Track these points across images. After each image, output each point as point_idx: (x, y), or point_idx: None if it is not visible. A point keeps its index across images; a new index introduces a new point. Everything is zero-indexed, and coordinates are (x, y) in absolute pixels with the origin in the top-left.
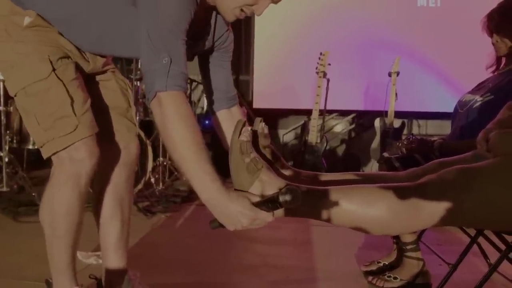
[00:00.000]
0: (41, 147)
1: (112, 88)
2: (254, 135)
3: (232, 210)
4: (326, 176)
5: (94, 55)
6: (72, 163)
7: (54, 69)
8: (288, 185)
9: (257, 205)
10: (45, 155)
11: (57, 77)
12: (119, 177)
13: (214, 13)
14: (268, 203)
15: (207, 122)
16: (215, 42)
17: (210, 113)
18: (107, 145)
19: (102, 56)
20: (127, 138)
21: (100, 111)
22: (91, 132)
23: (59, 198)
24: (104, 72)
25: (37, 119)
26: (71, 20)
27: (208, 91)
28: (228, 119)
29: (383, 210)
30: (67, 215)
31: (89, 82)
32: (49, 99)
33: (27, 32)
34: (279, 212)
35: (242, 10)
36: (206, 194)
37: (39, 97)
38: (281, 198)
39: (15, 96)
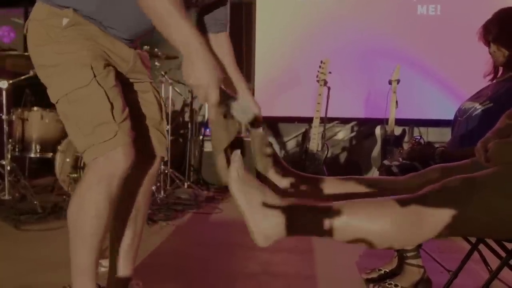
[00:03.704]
0: (83, 152)
1: (149, 100)
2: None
3: (201, 76)
4: (326, 183)
5: (135, 56)
6: (107, 163)
7: (95, 76)
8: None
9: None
10: (86, 160)
11: (98, 83)
12: (140, 187)
13: None
14: (227, 100)
15: (208, 130)
16: None
17: None
18: (137, 154)
19: (141, 49)
20: (156, 150)
21: (135, 120)
22: (130, 139)
23: (90, 198)
24: (142, 78)
25: (78, 125)
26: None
27: (199, 15)
28: (215, 44)
29: (386, 224)
30: (95, 217)
31: (128, 90)
32: (90, 106)
33: (67, 32)
34: (282, 232)
35: None
36: (187, 46)
37: (80, 104)
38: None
39: (56, 102)
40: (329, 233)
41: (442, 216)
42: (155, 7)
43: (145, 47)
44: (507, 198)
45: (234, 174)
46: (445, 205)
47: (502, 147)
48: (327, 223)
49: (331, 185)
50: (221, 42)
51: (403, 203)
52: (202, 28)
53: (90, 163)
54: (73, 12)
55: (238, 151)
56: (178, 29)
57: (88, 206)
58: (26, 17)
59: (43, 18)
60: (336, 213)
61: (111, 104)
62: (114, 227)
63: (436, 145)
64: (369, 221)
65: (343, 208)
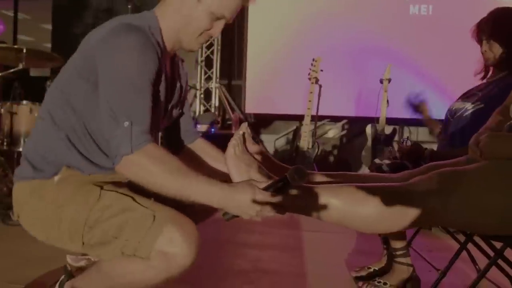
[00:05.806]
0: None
1: None
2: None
3: (242, 200)
4: (319, 176)
5: None
6: (166, 260)
7: (101, 187)
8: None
9: (266, 189)
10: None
11: (108, 190)
12: None
13: (177, 63)
14: (276, 184)
15: (198, 126)
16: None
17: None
18: None
19: None
20: None
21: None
22: (174, 214)
23: (133, 278)
24: None
25: (114, 239)
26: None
27: (170, 133)
28: (197, 151)
29: (370, 209)
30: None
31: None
32: (113, 213)
33: (61, 184)
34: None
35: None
36: (214, 199)
37: (103, 219)
38: (289, 176)
39: (82, 237)
40: (315, 213)
41: (426, 206)
42: (168, 188)
43: None
44: (491, 192)
45: (231, 151)
46: (429, 195)
47: (492, 141)
48: (313, 203)
49: (322, 179)
50: (201, 147)
51: (389, 190)
52: (175, 145)
53: (149, 257)
54: (65, 167)
55: (239, 132)
56: (199, 196)
57: (123, 281)
58: (15, 9)
59: (30, 192)
60: (323, 194)
61: (130, 196)
62: None
63: (425, 146)
64: (354, 205)
65: (330, 190)
